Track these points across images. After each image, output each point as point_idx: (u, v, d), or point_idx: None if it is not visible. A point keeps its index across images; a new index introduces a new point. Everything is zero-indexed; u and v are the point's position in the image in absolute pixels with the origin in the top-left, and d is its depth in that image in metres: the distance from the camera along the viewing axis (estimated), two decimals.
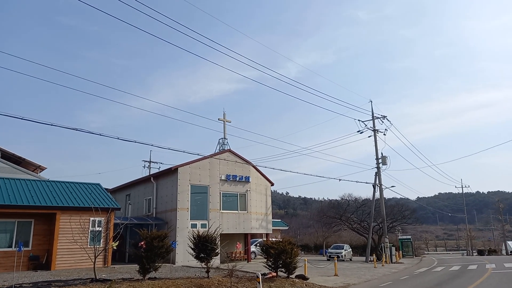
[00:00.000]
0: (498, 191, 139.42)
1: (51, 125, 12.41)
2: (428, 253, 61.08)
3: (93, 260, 13.01)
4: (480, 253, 54.54)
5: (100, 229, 19.19)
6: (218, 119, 28.39)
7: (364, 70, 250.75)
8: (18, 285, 11.40)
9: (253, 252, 29.57)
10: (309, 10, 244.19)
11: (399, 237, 44.83)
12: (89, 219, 19.00)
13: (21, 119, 11.74)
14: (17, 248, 13.99)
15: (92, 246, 13.90)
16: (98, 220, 19.23)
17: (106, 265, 19.18)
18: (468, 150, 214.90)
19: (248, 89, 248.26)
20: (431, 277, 18.95)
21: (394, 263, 31.15)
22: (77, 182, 22.42)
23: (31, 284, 11.84)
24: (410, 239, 45.06)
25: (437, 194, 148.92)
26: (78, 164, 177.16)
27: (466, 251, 62.39)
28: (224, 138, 28.25)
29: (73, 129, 12.87)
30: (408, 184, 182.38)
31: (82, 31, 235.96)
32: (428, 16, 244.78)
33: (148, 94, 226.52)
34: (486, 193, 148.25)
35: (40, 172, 27.88)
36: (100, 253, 14.42)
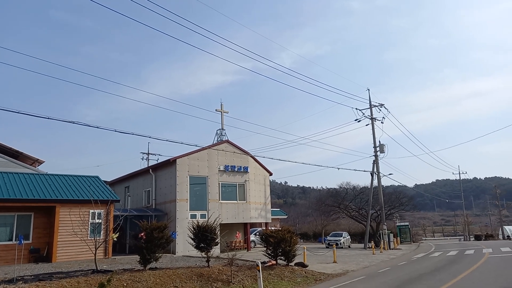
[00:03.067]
0: (495, 177, 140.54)
1: (48, 118, 12.38)
2: (425, 239, 61.67)
3: (94, 252, 13.10)
4: (477, 238, 55.10)
5: (100, 221, 19.26)
6: (216, 110, 28.25)
7: (359, 60, 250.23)
8: (19, 278, 11.48)
9: (253, 241, 29.80)
10: (302, 1, 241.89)
11: (397, 224, 45.16)
12: (89, 212, 19.07)
13: (17, 112, 11.69)
14: (18, 241, 14.04)
15: (92, 238, 13.98)
16: (97, 212, 19.29)
17: (107, 257, 19.31)
18: (465, 138, 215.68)
19: (244, 80, 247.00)
20: (429, 263, 19.18)
21: (392, 249, 31.49)
22: (76, 175, 22.42)
23: (32, 276, 11.92)
24: (408, 225, 45.41)
25: (435, 181, 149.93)
26: (76, 158, 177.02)
27: (463, 237, 63.03)
28: (222, 129, 28.15)
29: (70, 122, 12.85)
30: (406, 171, 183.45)
31: (76, 26, 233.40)
32: (422, 6, 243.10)
33: (143, 87, 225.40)
34: (483, 179, 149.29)
35: (38, 165, 27.79)
36: (100, 244, 14.50)
